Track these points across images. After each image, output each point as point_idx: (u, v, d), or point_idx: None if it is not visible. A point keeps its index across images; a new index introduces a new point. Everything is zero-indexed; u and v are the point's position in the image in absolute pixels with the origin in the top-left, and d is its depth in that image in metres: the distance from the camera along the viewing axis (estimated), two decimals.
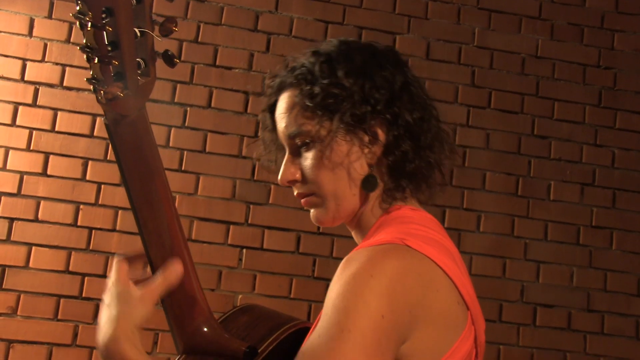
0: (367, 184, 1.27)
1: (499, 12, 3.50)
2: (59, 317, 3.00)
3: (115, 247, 3.06)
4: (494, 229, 3.34)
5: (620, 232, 3.42)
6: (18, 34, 3.16)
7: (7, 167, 3.06)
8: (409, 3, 3.44)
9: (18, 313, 2.97)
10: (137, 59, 1.01)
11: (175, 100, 3.20)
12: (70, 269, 3.04)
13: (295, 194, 1.34)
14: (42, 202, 3.05)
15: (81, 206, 3.08)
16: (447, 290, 1.14)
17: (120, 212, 3.10)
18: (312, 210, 1.33)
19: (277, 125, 1.33)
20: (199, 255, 3.08)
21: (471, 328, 1.19)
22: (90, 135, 3.13)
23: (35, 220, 3.04)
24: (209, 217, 3.15)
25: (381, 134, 1.26)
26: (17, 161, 3.07)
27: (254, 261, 3.16)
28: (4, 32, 3.15)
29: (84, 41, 0.94)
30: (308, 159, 1.28)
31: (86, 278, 3.04)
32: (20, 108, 3.11)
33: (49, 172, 3.08)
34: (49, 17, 3.19)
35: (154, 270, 1.20)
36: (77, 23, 0.92)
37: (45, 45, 3.17)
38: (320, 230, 3.20)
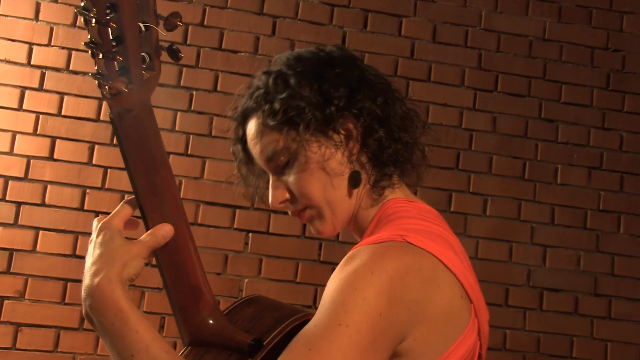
0: (353, 180, 1.26)
1: None
2: (66, 300, 2.99)
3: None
4: (500, 212, 3.30)
5: (628, 215, 3.37)
6: (24, 18, 3.13)
7: (14, 152, 3.04)
8: None
9: (26, 297, 2.96)
10: (142, 53, 1.00)
11: (181, 84, 3.17)
12: (77, 252, 3.02)
13: (290, 214, 1.33)
14: (48, 186, 3.04)
15: (87, 190, 3.06)
16: (448, 285, 1.12)
17: (126, 195, 3.07)
18: (312, 224, 1.32)
19: (253, 154, 1.32)
20: (204, 240, 3.06)
21: (474, 321, 1.17)
22: (97, 119, 3.11)
23: (42, 204, 3.03)
24: (215, 201, 3.12)
25: (353, 129, 1.25)
26: (23, 145, 3.05)
27: (259, 245, 3.14)
28: (10, 16, 3.12)
29: (89, 37, 0.94)
30: (291, 175, 1.27)
31: None
32: (27, 92, 3.08)
33: (55, 156, 3.06)
34: (55, 1, 3.16)
35: (159, 265, 1.19)
36: (82, 19, 0.91)
37: (52, 29, 3.14)
38: None
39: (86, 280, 1.09)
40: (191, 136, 3.14)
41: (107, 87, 0.97)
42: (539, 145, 3.36)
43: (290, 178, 1.27)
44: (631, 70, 3.47)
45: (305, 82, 1.25)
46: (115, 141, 3.09)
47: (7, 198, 3.01)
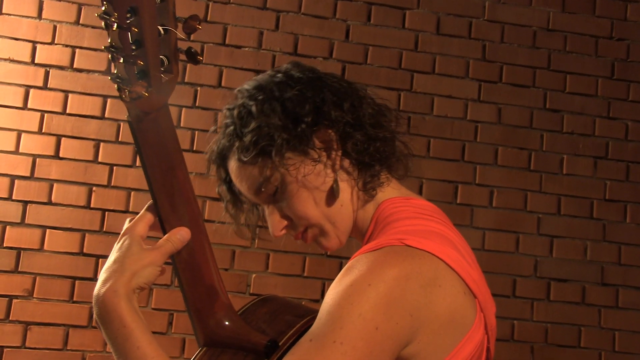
0: (334, 190, 1.25)
1: None
2: (74, 298, 2.96)
3: None
4: (506, 204, 3.26)
5: (634, 205, 3.33)
6: (27, 17, 3.08)
7: (20, 151, 2.99)
8: None
9: (34, 295, 2.93)
10: (160, 57, 1.00)
11: (186, 80, 3.12)
12: (85, 250, 2.98)
13: (294, 238, 1.32)
14: (55, 185, 3.00)
15: (94, 188, 3.02)
16: (451, 284, 1.11)
17: (132, 193, 3.03)
18: (318, 243, 1.31)
19: (241, 191, 1.31)
20: (212, 235, 2.95)
21: (480, 316, 1.16)
22: (102, 117, 3.06)
23: (49, 202, 2.99)
24: None
25: (330, 140, 1.24)
26: (29, 144, 3.00)
27: (267, 240, 3.09)
28: (14, 14, 3.07)
29: (109, 41, 0.93)
30: (284, 201, 1.26)
31: (100, 259, 2.98)
32: (31, 91, 3.04)
33: (61, 155, 3.02)
34: None
35: (174, 266, 1.19)
36: (103, 23, 0.91)
37: (55, 27, 3.09)
38: None
39: (96, 286, 1.11)
40: (196, 132, 3.09)
41: (127, 91, 0.97)
42: (545, 136, 3.32)
43: (284, 204, 1.26)
44: (636, 59, 3.42)
45: (268, 108, 1.23)
46: (121, 138, 3.05)
47: (13, 197, 2.97)
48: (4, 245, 2.93)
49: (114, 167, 3.04)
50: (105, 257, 2.93)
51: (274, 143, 1.20)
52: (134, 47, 0.94)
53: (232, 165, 1.28)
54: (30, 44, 3.06)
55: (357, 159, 1.25)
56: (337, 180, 1.25)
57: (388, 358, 1.05)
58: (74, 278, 2.96)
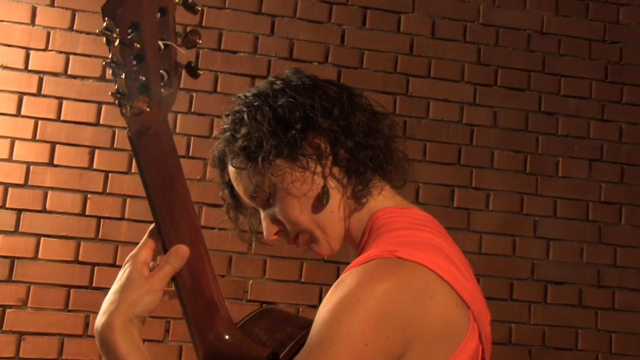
0: (324, 196, 1.24)
1: None
2: (70, 307, 2.87)
3: (125, 235, 2.93)
4: (503, 207, 3.21)
5: (629, 206, 3.29)
6: (20, 23, 3.00)
7: (14, 158, 2.91)
8: None
9: (28, 305, 2.84)
10: (160, 71, 0.99)
11: (181, 86, 3.02)
12: (80, 258, 2.90)
13: (287, 243, 1.31)
14: (49, 192, 2.91)
15: (89, 195, 2.94)
16: (442, 295, 1.08)
17: (128, 200, 2.96)
18: (310, 249, 1.30)
19: (239, 195, 1.31)
20: (208, 242, 2.90)
21: (474, 326, 1.13)
22: (96, 124, 2.99)
23: (43, 210, 2.90)
24: (218, 203, 3.00)
25: (320, 147, 1.23)
26: (23, 151, 2.92)
27: (263, 246, 3.00)
28: (7, 21, 2.99)
29: (110, 56, 0.92)
30: (276, 206, 1.25)
31: (96, 267, 2.91)
32: (25, 98, 2.96)
33: (55, 162, 2.94)
34: (52, 5, 3.03)
35: (174, 281, 1.16)
36: (104, 39, 0.90)
37: (49, 34, 3.01)
38: None
39: (98, 316, 1.10)
40: (192, 138, 3.02)
41: (129, 106, 0.95)
42: (540, 139, 3.27)
43: (277, 209, 1.25)
44: (629, 62, 3.38)
45: (260, 115, 1.22)
46: (116, 145, 2.97)
47: (7, 205, 2.88)
48: None
49: (109, 174, 2.96)
50: (101, 265, 2.88)
51: (262, 149, 1.20)
52: (135, 62, 0.93)
53: (230, 170, 1.29)
54: (23, 50, 2.98)
55: (346, 167, 1.23)
56: (325, 187, 1.23)
57: None
58: (69, 286, 2.88)
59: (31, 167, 2.91)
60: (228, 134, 1.26)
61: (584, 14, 3.39)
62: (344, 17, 3.21)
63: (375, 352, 1.01)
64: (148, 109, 0.96)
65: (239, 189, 1.28)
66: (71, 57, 3.01)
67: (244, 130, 1.22)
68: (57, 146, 2.95)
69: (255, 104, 1.24)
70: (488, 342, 1.21)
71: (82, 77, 3.00)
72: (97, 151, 2.97)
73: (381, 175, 1.27)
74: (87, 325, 2.86)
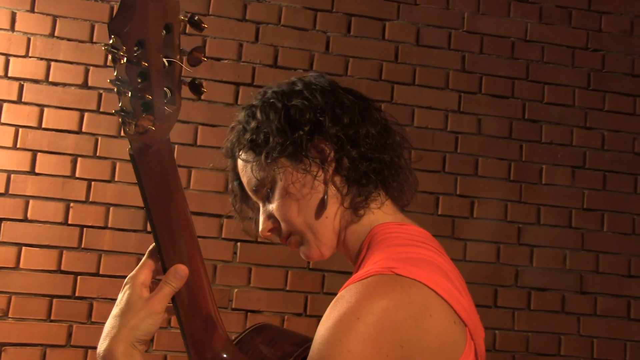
0: (325, 202, 1.23)
1: None
2: (52, 317, 2.80)
3: (108, 244, 2.86)
4: (487, 214, 3.19)
5: (611, 213, 3.29)
6: (0, 29, 2.91)
7: None
8: None
9: (10, 315, 2.77)
10: (164, 88, 0.98)
11: None
12: (62, 268, 2.84)
13: (280, 241, 1.31)
14: (31, 201, 2.84)
15: (71, 204, 2.88)
16: (441, 314, 1.07)
17: (111, 208, 2.89)
18: (300, 251, 1.29)
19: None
20: None
21: (471, 344, 1.12)
22: (79, 132, 2.92)
23: (25, 219, 2.83)
24: (202, 211, 2.95)
25: (325, 152, 1.22)
26: (4, 160, 2.85)
27: (248, 254, 2.98)
28: None
29: (115, 74, 0.91)
30: (274, 203, 1.25)
31: (79, 277, 2.84)
32: (5, 105, 2.88)
33: (37, 170, 2.87)
34: (32, 10, 2.95)
35: (172, 300, 1.14)
36: (110, 57, 0.89)
37: (29, 40, 2.94)
38: None
39: (99, 341, 1.09)
40: (176, 146, 2.96)
41: (133, 124, 0.93)
42: (524, 146, 3.25)
43: (273, 206, 1.25)
44: (611, 70, 3.37)
45: (272, 111, 1.23)
46: (99, 153, 2.91)
47: None
48: None
49: (92, 183, 2.90)
50: (84, 274, 2.82)
51: (268, 145, 1.21)
52: (139, 80, 0.92)
53: (238, 161, 1.29)
54: (3, 57, 2.90)
55: (347, 176, 1.22)
56: (326, 192, 1.22)
57: None
58: (52, 296, 2.81)
59: (12, 175, 2.84)
60: (240, 126, 1.27)
61: (567, 22, 3.38)
62: (328, 25, 3.17)
63: None
64: (153, 128, 0.95)
65: (243, 180, 1.29)
66: (52, 64, 2.94)
67: (253, 124, 1.23)
68: (39, 154, 2.87)
69: (271, 100, 1.24)
70: (482, 358, 1.20)
71: (64, 85, 2.93)
72: (79, 159, 2.90)
73: (384, 191, 1.26)
74: (69, 335, 2.80)
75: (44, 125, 2.89)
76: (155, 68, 0.93)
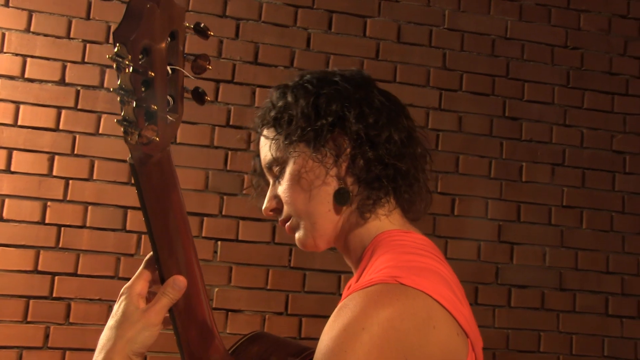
0: (340, 197, 1.20)
1: None
2: (29, 318, 2.73)
3: (86, 244, 2.80)
4: (468, 212, 3.17)
5: (590, 210, 3.29)
6: None
7: None
8: None
9: None
10: (167, 96, 0.96)
11: None
12: (39, 268, 2.76)
13: (279, 223, 1.29)
14: (6, 200, 2.77)
15: (49, 203, 2.80)
16: (445, 325, 1.05)
17: (90, 207, 2.83)
18: (295, 236, 1.27)
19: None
20: None
21: (472, 355, 1.10)
22: (56, 129, 2.84)
23: (1, 219, 2.76)
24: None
25: (342, 146, 1.20)
26: None
27: (229, 253, 2.93)
28: None
29: (118, 83, 0.88)
30: (282, 183, 1.24)
31: (56, 277, 2.77)
32: None
33: (13, 169, 2.79)
34: (6, 5, 2.87)
35: (170, 311, 1.12)
36: (114, 66, 0.85)
37: (4, 35, 2.86)
38: None
39: (94, 354, 1.06)
40: None
41: (136, 134, 0.90)
42: (504, 144, 3.24)
43: (281, 186, 1.24)
44: (589, 68, 3.37)
45: (303, 95, 1.22)
46: (76, 151, 2.84)
47: None
48: None
49: (70, 181, 2.83)
50: (62, 274, 2.75)
51: (290, 127, 1.20)
52: (143, 89, 0.89)
53: (261, 137, 1.29)
54: None
55: (359, 176, 1.20)
56: (345, 188, 1.20)
57: None
58: (29, 297, 2.74)
59: None
60: (270, 103, 1.27)
61: (546, 20, 3.37)
62: (309, 21, 3.12)
63: None
64: (157, 139, 0.92)
65: (261, 155, 1.28)
66: (28, 59, 2.86)
67: (281, 104, 1.23)
68: (15, 152, 2.80)
69: (305, 84, 1.24)
70: None
71: (41, 81, 2.86)
72: (57, 157, 2.83)
73: (394, 200, 1.24)
74: (47, 337, 2.73)
75: (19, 123, 2.82)
76: (160, 76, 0.91)
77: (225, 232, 2.94)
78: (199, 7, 3.01)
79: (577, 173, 3.30)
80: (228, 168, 2.97)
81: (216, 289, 2.89)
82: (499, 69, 3.29)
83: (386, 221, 1.22)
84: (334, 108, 1.19)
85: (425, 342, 1.01)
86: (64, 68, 2.88)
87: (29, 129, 2.82)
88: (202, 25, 0.96)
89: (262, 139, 1.27)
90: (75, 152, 2.85)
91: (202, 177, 2.93)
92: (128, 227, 2.85)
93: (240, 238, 2.95)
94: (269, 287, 2.95)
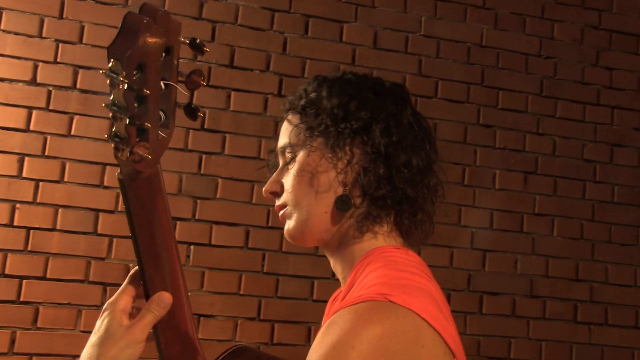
0: (340, 203, 1.19)
1: (445, 0, 3.29)
2: None
3: (56, 247, 2.73)
4: (441, 218, 3.15)
5: (561, 218, 3.30)
6: None
7: None
8: None
9: None
10: (159, 111, 0.95)
11: None
12: (7, 272, 2.69)
13: (275, 208, 1.28)
14: None
15: (17, 205, 2.73)
16: (432, 345, 1.03)
17: (60, 210, 2.76)
18: (285, 225, 1.26)
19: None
20: None
21: None
22: (26, 130, 2.77)
23: None
24: None
25: (357, 155, 1.19)
26: None
27: (202, 257, 2.89)
28: None
29: (111, 98, 0.87)
30: (289, 172, 1.23)
31: (24, 281, 2.70)
32: None
33: None
34: None
35: (153, 327, 1.10)
36: (108, 81, 0.84)
37: None
38: (270, 224, 2.95)
39: None
40: None
41: (128, 151, 0.89)
42: (478, 151, 3.24)
43: (287, 173, 1.24)
44: (562, 77, 3.39)
45: (337, 94, 1.22)
46: (47, 152, 2.77)
47: None
48: None
49: (40, 183, 2.76)
50: (30, 278, 2.68)
51: (314, 121, 1.20)
52: (136, 105, 0.88)
53: (285, 120, 1.29)
54: None
55: (365, 190, 1.19)
56: (348, 195, 1.19)
57: None
58: None
59: None
60: (303, 91, 1.27)
61: (521, 28, 3.37)
62: (286, 25, 3.09)
63: None
64: (150, 156, 0.91)
65: (280, 137, 1.28)
66: None
67: (314, 95, 1.23)
68: None
69: (344, 84, 1.24)
70: None
71: (11, 81, 2.78)
72: (26, 159, 2.76)
73: (394, 223, 1.22)
74: (13, 342, 2.65)
75: None
76: (153, 92, 0.90)
77: (199, 237, 2.90)
78: (175, 9, 2.96)
79: (549, 181, 3.31)
80: (202, 172, 2.93)
81: (188, 294, 2.84)
82: (474, 76, 3.28)
83: (382, 239, 1.21)
84: (363, 116, 1.19)
85: None
86: (35, 68, 2.81)
87: None
88: (197, 40, 0.93)
89: (285, 122, 1.27)
90: (46, 153, 2.78)
91: (176, 180, 2.88)
92: (99, 231, 2.79)
93: (213, 242, 2.91)
94: (241, 292, 2.91)
